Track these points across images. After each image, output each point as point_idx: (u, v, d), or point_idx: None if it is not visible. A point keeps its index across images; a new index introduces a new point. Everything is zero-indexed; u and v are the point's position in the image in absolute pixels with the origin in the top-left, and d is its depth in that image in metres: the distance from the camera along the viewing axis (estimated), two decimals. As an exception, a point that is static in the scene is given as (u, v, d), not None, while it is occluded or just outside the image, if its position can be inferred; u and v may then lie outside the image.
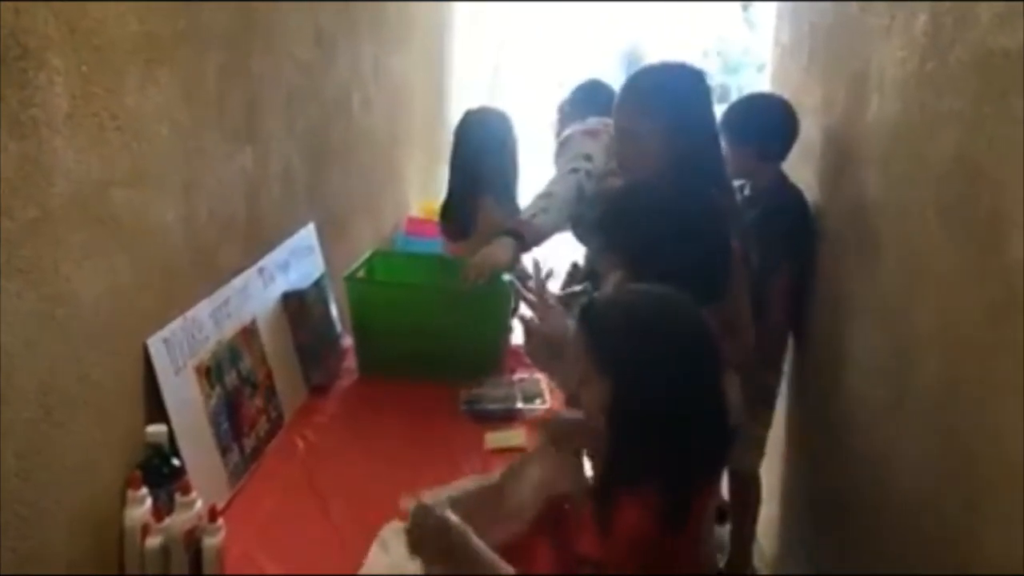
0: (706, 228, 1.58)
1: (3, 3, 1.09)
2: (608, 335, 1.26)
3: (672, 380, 1.22)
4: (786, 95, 2.89)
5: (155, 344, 1.49)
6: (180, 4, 1.55)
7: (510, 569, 1.25)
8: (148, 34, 1.45)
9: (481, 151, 2.67)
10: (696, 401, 1.24)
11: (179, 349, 1.56)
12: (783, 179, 2.46)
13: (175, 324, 1.56)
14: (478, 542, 1.25)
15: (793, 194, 2.45)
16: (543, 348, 1.69)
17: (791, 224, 2.38)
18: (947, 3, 1.66)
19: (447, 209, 2.74)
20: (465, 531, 1.25)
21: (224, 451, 1.66)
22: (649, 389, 1.21)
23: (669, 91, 1.84)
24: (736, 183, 2.30)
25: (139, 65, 1.43)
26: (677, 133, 1.78)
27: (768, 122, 2.45)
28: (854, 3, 2.22)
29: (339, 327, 2.35)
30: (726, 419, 1.29)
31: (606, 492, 1.27)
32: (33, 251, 1.18)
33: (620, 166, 1.94)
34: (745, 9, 7.91)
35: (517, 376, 2.22)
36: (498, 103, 3.08)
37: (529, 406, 2.06)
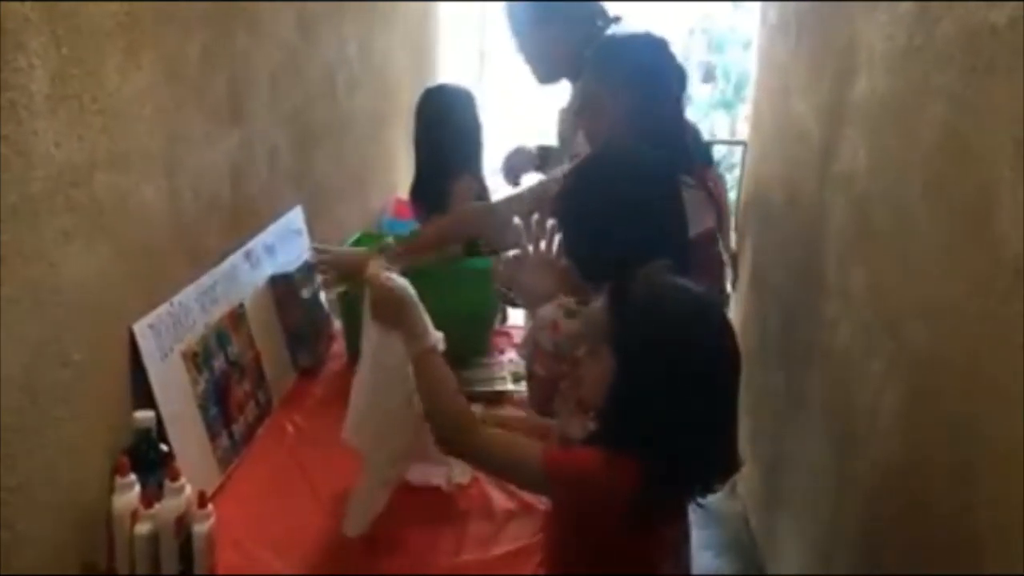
0: (659, 211, 1.54)
1: (-22, -17, 1.07)
2: (633, 320, 1.23)
3: (680, 377, 1.19)
4: (774, 73, 2.90)
5: (141, 329, 1.48)
6: (160, -16, 1.53)
7: (432, 341, 1.35)
8: (129, 15, 1.43)
9: (444, 127, 2.64)
10: (704, 410, 1.20)
11: (165, 334, 1.55)
12: None
13: (161, 309, 1.55)
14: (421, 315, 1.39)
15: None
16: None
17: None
18: (935, -22, 1.66)
19: (417, 187, 2.73)
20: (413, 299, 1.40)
21: (213, 436, 1.65)
22: (657, 379, 1.19)
23: (634, 59, 1.83)
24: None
25: (120, 46, 1.41)
26: (642, 100, 1.77)
27: None
28: (841, -22, 2.22)
29: (327, 310, 2.34)
30: (733, 441, 1.26)
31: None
32: (14, 236, 1.16)
33: (586, 134, 1.93)
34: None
35: (506, 357, 2.22)
36: (485, 84, 3.05)
37: (517, 387, 2.05)
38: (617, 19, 2.18)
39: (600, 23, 2.15)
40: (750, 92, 3.84)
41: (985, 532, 1.38)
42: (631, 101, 1.76)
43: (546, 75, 2.27)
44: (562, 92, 2.36)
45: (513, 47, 2.28)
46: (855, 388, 1.98)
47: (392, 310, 1.40)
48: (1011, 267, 1.30)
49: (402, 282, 1.43)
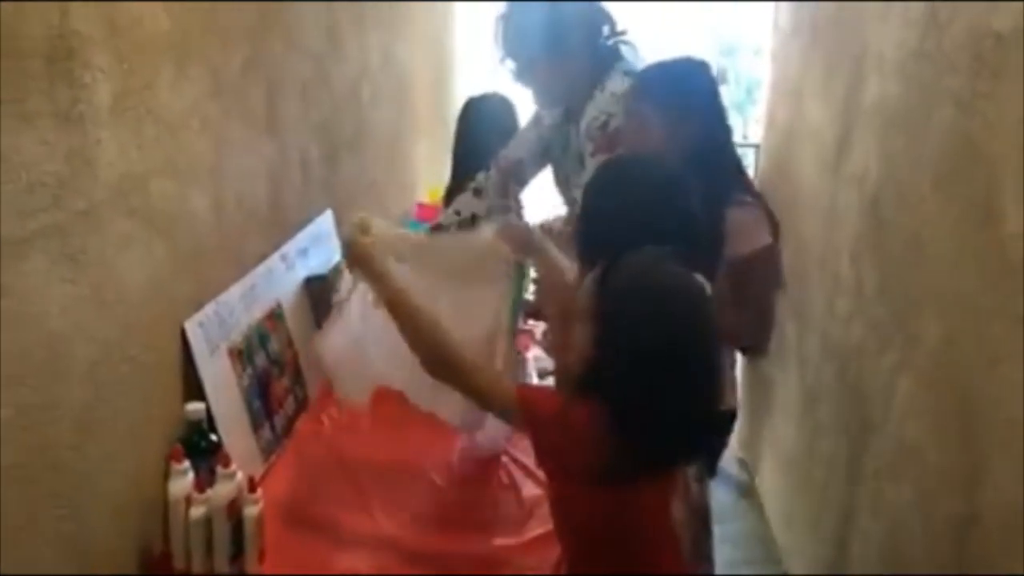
0: (664, 211, 1.60)
1: (51, 6, 1.16)
2: (606, 290, 1.33)
3: (646, 349, 1.26)
4: (787, 76, 2.96)
5: (192, 327, 1.57)
6: (205, 2, 1.62)
7: (398, 283, 1.52)
8: (179, 31, 1.51)
9: (483, 136, 2.73)
10: (684, 377, 1.28)
11: (213, 332, 1.64)
12: None
13: (209, 308, 1.64)
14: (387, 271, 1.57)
15: None
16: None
17: None
18: (943, -14, 1.73)
19: (453, 191, 2.79)
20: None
21: (256, 428, 1.74)
22: (622, 352, 1.27)
23: (677, 85, 1.88)
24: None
25: (172, 61, 1.50)
26: (685, 125, 1.83)
27: None
28: (853, -14, 2.29)
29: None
30: (703, 412, 1.33)
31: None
32: (82, 240, 1.25)
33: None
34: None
35: (530, 354, 2.30)
36: (504, 92, 3.13)
37: (543, 382, 2.13)
38: (623, 32, 2.13)
39: (606, 30, 2.10)
40: (762, 95, 3.91)
41: (994, 521, 1.45)
42: (684, 125, 1.83)
43: (550, 102, 2.21)
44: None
45: (511, 73, 2.12)
46: (869, 382, 2.05)
47: (362, 262, 1.60)
48: (1018, 266, 1.37)
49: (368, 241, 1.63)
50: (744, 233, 1.79)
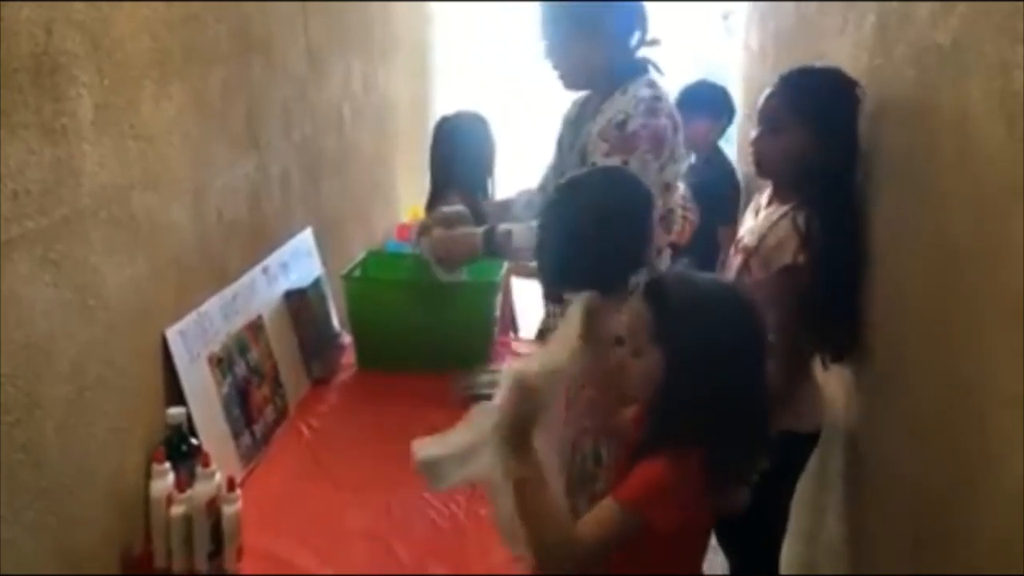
0: (630, 225, 1.68)
1: (38, 25, 1.22)
2: (674, 313, 1.32)
3: (727, 361, 1.29)
4: (756, 96, 3.05)
5: (172, 335, 1.63)
6: (187, 22, 1.69)
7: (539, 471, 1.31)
8: (161, 50, 1.59)
9: (455, 153, 2.90)
10: (745, 384, 1.31)
11: (194, 340, 1.69)
12: (719, 151, 3.25)
13: (190, 317, 1.70)
14: None
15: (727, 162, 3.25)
16: None
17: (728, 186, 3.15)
18: (892, 4, 1.82)
19: (432, 205, 2.91)
20: None
21: (236, 435, 1.79)
22: (706, 366, 1.28)
23: (818, 94, 1.89)
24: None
25: (153, 79, 1.57)
26: (819, 137, 1.85)
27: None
28: (812, 6, 2.38)
29: (337, 326, 2.48)
30: (767, 410, 1.37)
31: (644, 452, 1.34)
32: (65, 246, 1.31)
33: (757, 164, 1.99)
34: (725, 18, 8.10)
35: (506, 365, 2.35)
36: (484, 109, 3.21)
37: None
38: (655, 42, 2.12)
39: (638, 35, 2.09)
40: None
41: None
42: (809, 132, 1.85)
43: (577, 83, 2.20)
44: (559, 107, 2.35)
45: (541, 51, 2.13)
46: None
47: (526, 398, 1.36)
48: (959, 254, 1.45)
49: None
50: (779, 248, 1.83)
